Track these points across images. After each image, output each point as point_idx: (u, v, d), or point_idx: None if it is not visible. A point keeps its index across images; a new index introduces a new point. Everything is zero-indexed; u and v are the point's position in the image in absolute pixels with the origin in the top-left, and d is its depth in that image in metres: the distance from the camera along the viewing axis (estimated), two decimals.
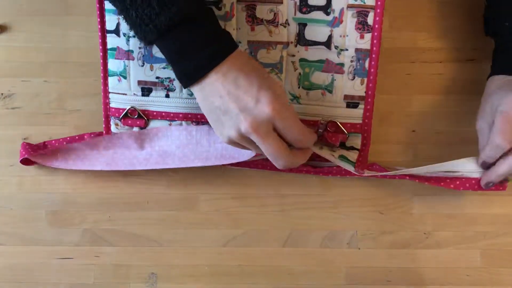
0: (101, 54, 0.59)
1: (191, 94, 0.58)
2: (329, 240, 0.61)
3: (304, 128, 0.50)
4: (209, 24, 0.49)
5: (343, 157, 0.58)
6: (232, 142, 0.50)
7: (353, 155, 0.59)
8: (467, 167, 0.56)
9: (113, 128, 0.61)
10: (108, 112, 0.61)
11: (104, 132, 0.61)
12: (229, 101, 0.48)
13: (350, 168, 0.57)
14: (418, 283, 0.61)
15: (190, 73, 0.49)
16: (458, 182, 0.56)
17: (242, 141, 0.50)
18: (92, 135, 0.61)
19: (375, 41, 0.56)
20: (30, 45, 0.63)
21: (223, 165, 0.61)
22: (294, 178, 0.61)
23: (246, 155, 0.57)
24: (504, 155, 0.52)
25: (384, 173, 0.58)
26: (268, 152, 0.49)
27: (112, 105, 0.60)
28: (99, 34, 0.58)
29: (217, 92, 0.48)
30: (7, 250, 0.62)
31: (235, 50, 0.49)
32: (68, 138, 0.61)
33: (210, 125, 0.53)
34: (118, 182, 0.62)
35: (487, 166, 0.54)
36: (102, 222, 0.62)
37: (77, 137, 0.61)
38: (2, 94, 0.63)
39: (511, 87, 0.52)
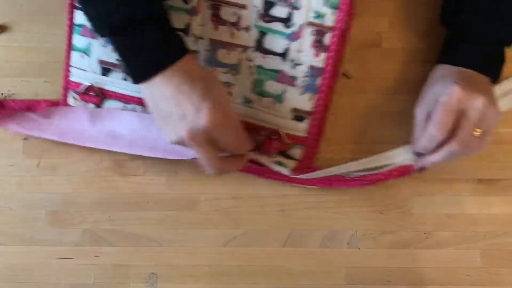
0: (67, 28, 0.60)
1: None
2: (329, 240, 0.61)
3: (240, 138, 0.52)
4: (161, 28, 0.51)
5: (279, 163, 0.59)
6: (174, 142, 0.52)
7: (291, 163, 0.60)
8: (401, 156, 0.57)
9: (70, 100, 0.61)
10: (67, 85, 0.61)
11: (61, 102, 0.62)
12: (172, 106, 0.49)
13: (285, 171, 0.59)
14: (418, 283, 0.61)
15: (138, 72, 0.50)
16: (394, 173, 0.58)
17: (181, 144, 0.51)
18: (49, 102, 0.62)
19: (329, 61, 0.57)
20: (30, 45, 0.63)
21: None
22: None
23: (191, 153, 0.58)
24: (439, 144, 0.53)
25: (314, 173, 0.58)
26: (201, 159, 0.51)
27: (72, 78, 0.61)
28: (68, 8, 0.59)
29: (163, 94, 0.50)
30: (7, 250, 0.62)
31: (184, 56, 0.50)
32: (25, 101, 0.62)
33: None
34: (118, 182, 0.62)
35: (421, 155, 0.55)
36: (102, 222, 0.62)
37: (34, 102, 0.62)
38: (2, 94, 0.63)
39: (452, 77, 0.53)
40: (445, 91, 0.51)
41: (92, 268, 0.62)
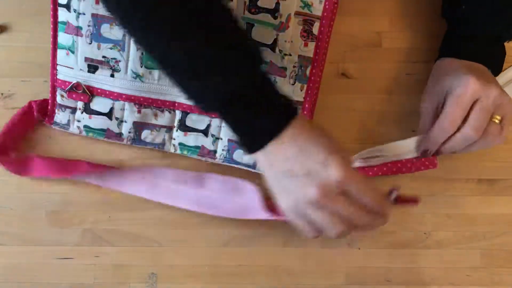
0: (51, 26, 0.59)
1: (136, 77, 0.59)
2: (329, 240, 0.61)
3: (377, 191, 0.48)
4: (270, 91, 0.48)
5: None
6: (295, 212, 0.48)
7: None
8: (410, 147, 0.57)
9: (58, 99, 0.61)
10: (55, 83, 0.61)
11: (50, 101, 0.61)
12: (295, 164, 0.46)
13: None
14: (418, 283, 0.61)
15: (253, 142, 0.48)
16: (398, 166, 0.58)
17: (307, 208, 0.47)
18: (37, 102, 0.61)
19: (318, 51, 0.57)
20: (30, 45, 0.63)
21: (224, 165, 0.61)
22: None
23: (226, 211, 0.59)
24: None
25: None
26: (341, 216, 0.47)
27: (59, 76, 0.61)
28: (51, 6, 0.59)
29: (283, 157, 0.47)
30: (7, 250, 0.62)
31: (296, 116, 0.47)
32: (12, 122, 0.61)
33: (199, 172, 0.59)
34: None
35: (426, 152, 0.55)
36: (102, 222, 0.62)
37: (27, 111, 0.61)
38: (2, 94, 0.63)
39: (463, 70, 0.52)
40: (457, 83, 0.51)
41: (92, 268, 0.62)
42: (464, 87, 0.50)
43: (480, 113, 0.50)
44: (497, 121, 0.51)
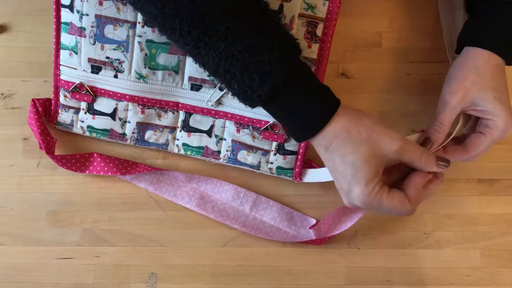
0: (54, 26, 0.59)
1: (139, 78, 0.59)
2: (329, 240, 0.61)
3: (394, 208, 0.50)
4: (309, 82, 0.49)
5: (280, 169, 0.60)
6: None
7: (290, 161, 0.60)
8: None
9: (61, 99, 0.61)
10: (58, 83, 0.61)
11: (52, 101, 0.61)
12: (332, 174, 0.51)
13: (287, 177, 0.60)
14: (418, 283, 0.61)
15: (299, 131, 0.50)
16: None
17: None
18: (40, 100, 0.61)
19: (321, 52, 0.57)
20: (30, 45, 0.63)
21: (224, 164, 0.61)
22: None
23: (275, 236, 0.61)
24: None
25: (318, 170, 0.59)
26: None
27: (62, 77, 0.60)
28: (54, 6, 0.58)
29: (323, 158, 0.51)
30: (7, 250, 0.62)
31: (338, 108, 0.49)
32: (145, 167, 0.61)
33: (257, 194, 0.61)
34: (118, 182, 0.62)
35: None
36: (102, 222, 0.62)
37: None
38: (2, 94, 0.63)
39: (503, 94, 0.52)
40: (498, 120, 0.51)
41: (92, 268, 0.62)
42: (505, 131, 0.52)
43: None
44: None
